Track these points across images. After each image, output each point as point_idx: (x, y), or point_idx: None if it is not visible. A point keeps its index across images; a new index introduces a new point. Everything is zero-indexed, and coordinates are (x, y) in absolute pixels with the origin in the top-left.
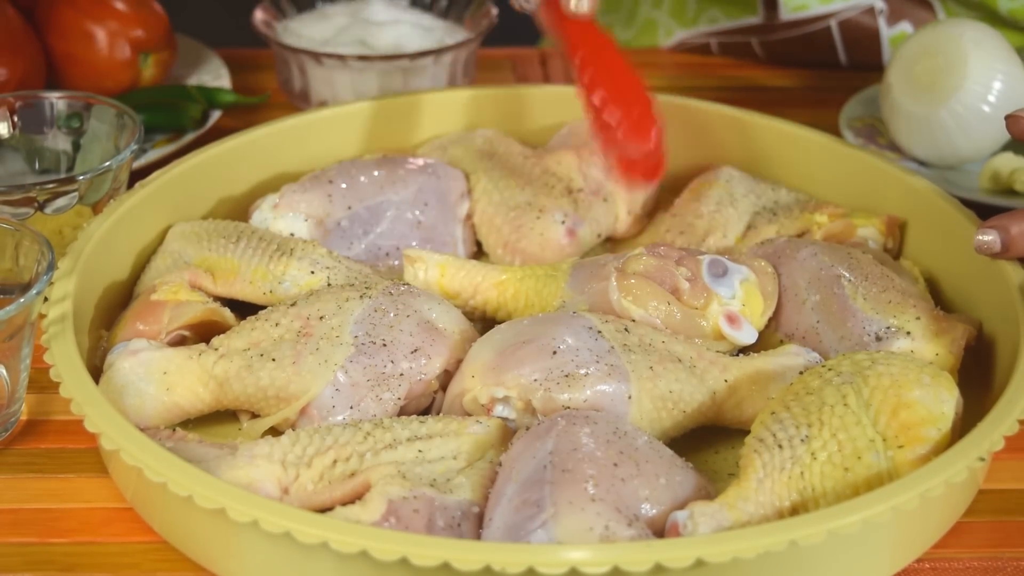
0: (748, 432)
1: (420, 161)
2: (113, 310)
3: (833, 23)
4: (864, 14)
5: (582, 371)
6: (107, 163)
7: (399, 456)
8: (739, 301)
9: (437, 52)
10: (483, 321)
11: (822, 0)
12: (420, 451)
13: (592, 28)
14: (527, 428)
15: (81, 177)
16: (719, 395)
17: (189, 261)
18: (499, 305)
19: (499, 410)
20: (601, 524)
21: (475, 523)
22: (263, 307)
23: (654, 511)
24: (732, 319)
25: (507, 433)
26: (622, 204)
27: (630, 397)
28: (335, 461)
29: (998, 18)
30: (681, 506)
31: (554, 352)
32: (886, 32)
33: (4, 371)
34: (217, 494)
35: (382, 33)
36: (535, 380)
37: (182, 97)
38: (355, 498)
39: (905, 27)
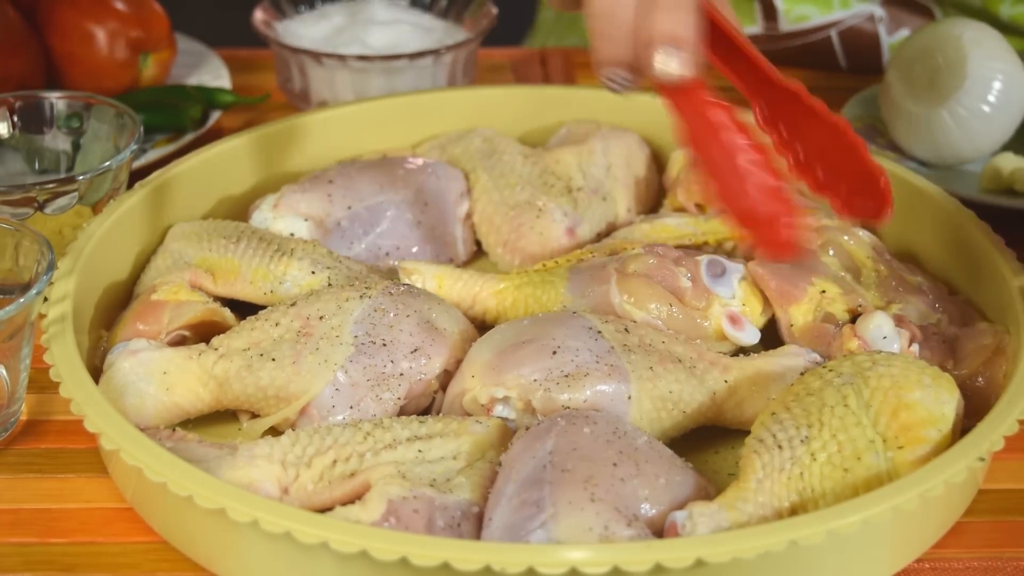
0: (748, 432)
1: (419, 161)
2: (113, 310)
3: (833, 33)
4: (864, 23)
5: (582, 371)
6: (107, 163)
7: (399, 456)
8: (739, 301)
9: (437, 52)
10: (483, 329)
11: (822, 10)
12: (420, 451)
13: (700, 99)
14: (527, 428)
15: (81, 177)
16: (719, 395)
17: (189, 261)
18: (499, 314)
19: (499, 410)
20: (600, 524)
21: (475, 523)
22: (263, 307)
23: (654, 511)
24: (734, 320)
25: (507, 433)
26: (622, 202)
27: (630, 397)
28: (335, 461)
29: (1000, 25)
30: (681, 506)
31: (554, 352)
32: (886, 40)
33: (4, 371)
34: (217, 494)
35: (382, 33)
36: (535, 380)
37: (182, 97)
38: (355, 498)
39: (905, 35)
